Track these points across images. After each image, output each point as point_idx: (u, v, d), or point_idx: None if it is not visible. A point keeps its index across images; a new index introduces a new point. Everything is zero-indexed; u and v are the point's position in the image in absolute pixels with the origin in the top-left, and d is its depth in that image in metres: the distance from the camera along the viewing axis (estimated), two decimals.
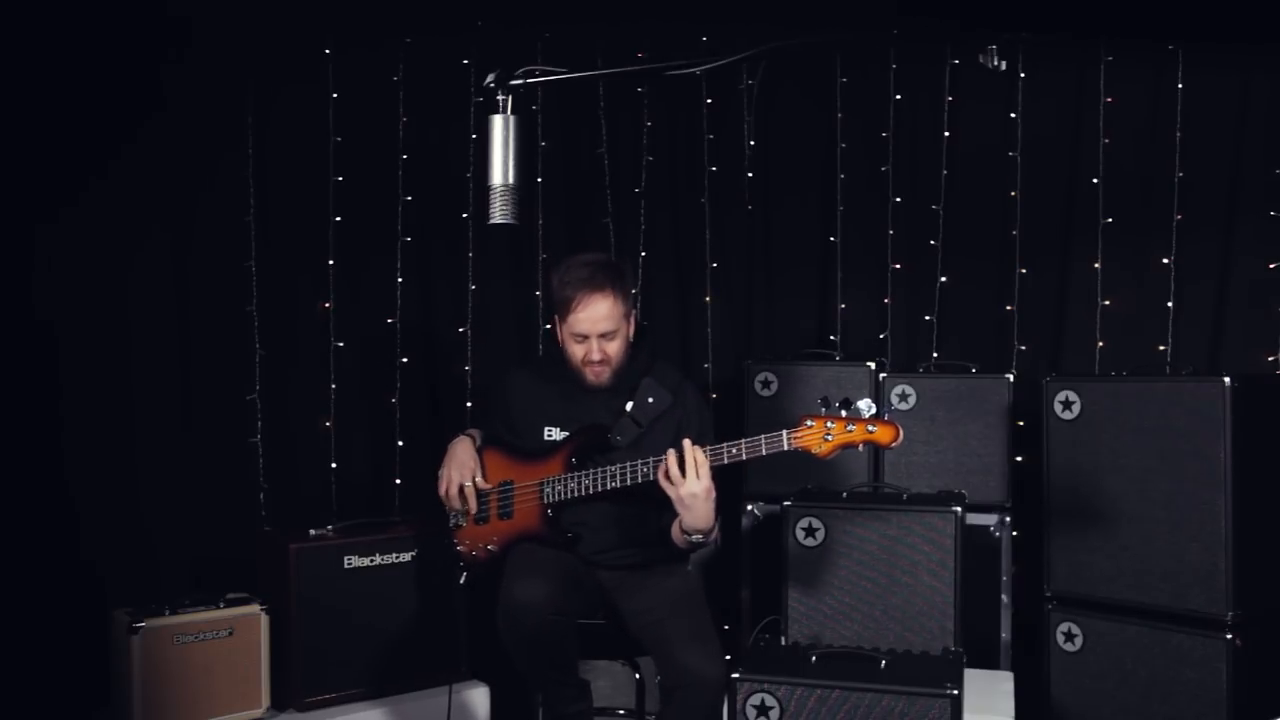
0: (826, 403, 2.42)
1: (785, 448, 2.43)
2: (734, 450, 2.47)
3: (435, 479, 2.82)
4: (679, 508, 2.47)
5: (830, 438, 2.40)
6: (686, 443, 2.46)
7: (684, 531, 2.54)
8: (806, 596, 3.01)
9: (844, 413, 2.40)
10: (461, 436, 2.87)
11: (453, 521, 2.83)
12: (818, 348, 3.85)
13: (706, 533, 2.53)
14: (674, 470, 2.44)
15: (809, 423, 2.41)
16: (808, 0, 3.36)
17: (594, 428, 2.73)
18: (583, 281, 2.65)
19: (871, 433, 2.38)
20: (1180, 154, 3.59)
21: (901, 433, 2.37)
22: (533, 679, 2.63)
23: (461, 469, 2.77)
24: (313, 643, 3.03)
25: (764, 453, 2.45)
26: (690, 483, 2.43)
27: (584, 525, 2.73)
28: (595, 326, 2.65)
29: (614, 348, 2.70)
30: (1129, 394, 3.04)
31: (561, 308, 2.68)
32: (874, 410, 2.39)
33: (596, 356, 2.67)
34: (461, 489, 2.75)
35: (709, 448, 2.48)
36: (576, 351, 2.70)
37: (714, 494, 2.47)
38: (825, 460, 2.43)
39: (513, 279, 3.77)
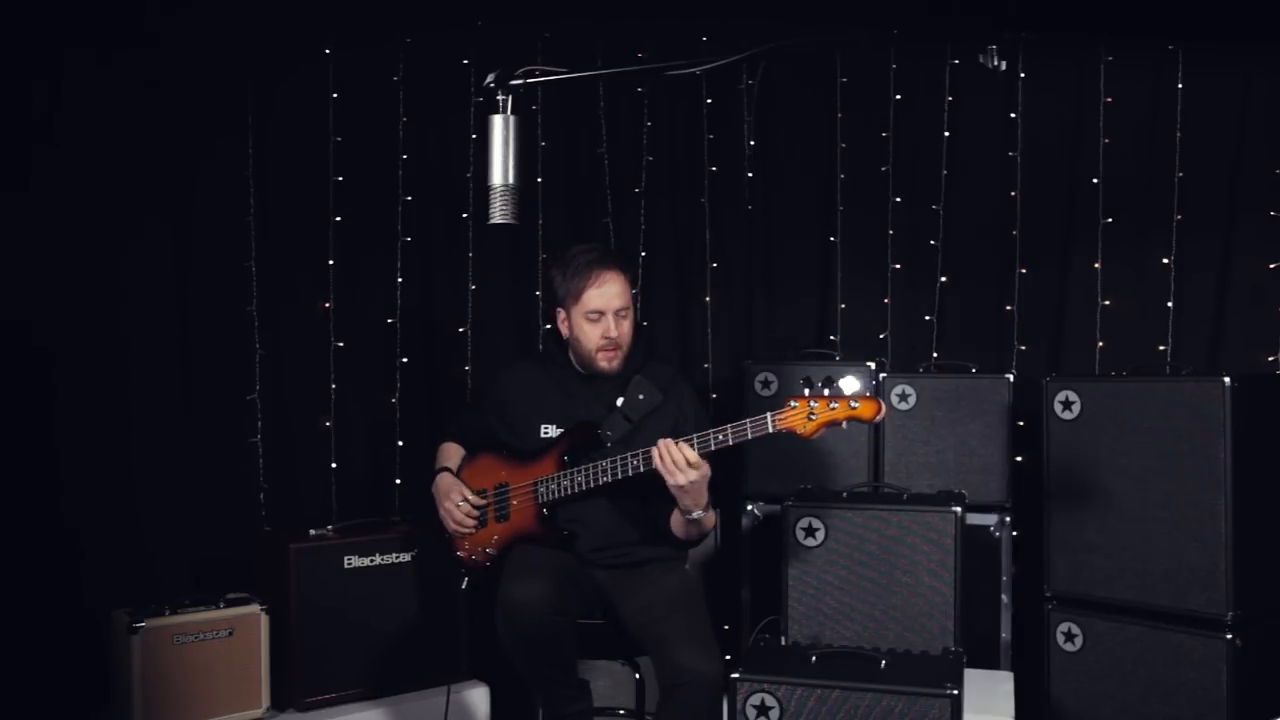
0: (810, 383, 2.44)
1: (770, 429, 2.45)
2: (720, 437, 2.49)
3: (434, 490, 2.85)
4: (675, 493, 2.51)
5: (814, 417, 2.42)
6: (667, 442, 2.49)
7: (681, 510, 2.57)
8: (806, 596, 3.01)
9: (826, 391, 2.42)
10: (440, 472, 2.87)
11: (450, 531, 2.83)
12: (818, 348, 3.86)
13: (703, 508, 2.56)
14: (668, 462, 2.48)
15: (792, 403, 2.43)
16: (808, 0, 3.35)
17: (585, 425, 2.73)
18: (593, 262, 2.70)
19: (854, 409, 2.40)
20: (1180, 154, 3.59)
21: (884, 407, 2.42)
22: (532, 679, 2.63)
23: (448, 497, 2.79)
24: (313, 643, 3.03)
25: (749, 436, 2.47)
26: (686, 472, 2.47)
27: (580, 524, 2.73)
28: (610, 302, 2.68)
29: (626, 328, 2.73)
30: (1129, 394, 3.04)
31: (574, 290, 2.70)
32: (856, 387, 2.42)
33: (614, 333, 2.69)
34: (462, 508, 2.77)
35: (695, 436, 2.50)
36: (591, 334, 2.71)
37: (709, 475, 2.51)
38: (810, 440, 2.47)
39: (513, 279, 3.78)
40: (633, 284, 2.78)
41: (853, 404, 2.40)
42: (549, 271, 2.83)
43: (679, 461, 2.47)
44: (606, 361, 2.73)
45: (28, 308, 3.03)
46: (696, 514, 2.57)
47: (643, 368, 2.80)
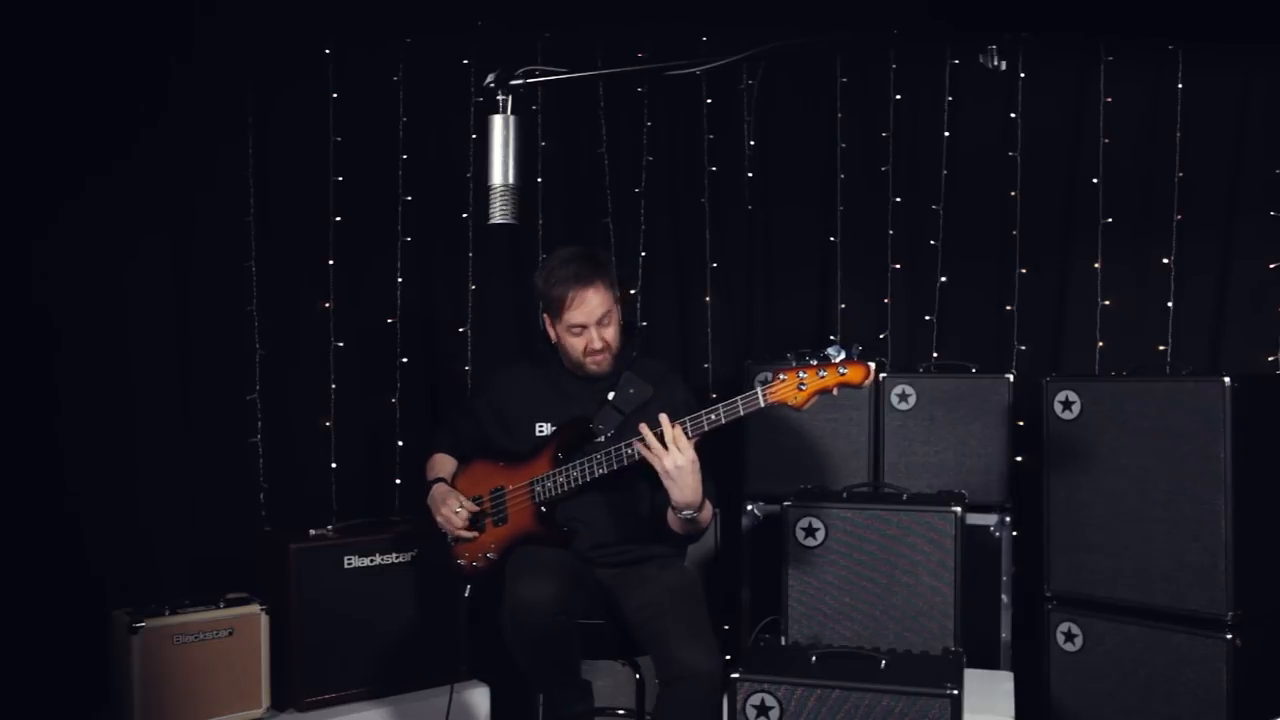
0: (797, 356, 2.44)
1: (761, 404, 2.45)
2: (713, 416, 2.48)
3: (429, 501, 2.84)
4: (665, 482, 2.48)
5: (804, 386, 2.41)
6: (663, 417, 2.48)
7: (674, 509, 2.55)
8: (806, 596, 3.01)
9: (814, 361, 2.42)
10: (434, 484, 2.86)
11: (450, 538, 2.82)
12: (817, 348, 3.85)
13: (697, 507, 2.54)
14: (654, 443, 2.46)
15: (781, 376, 2.43)
16: (808, 0, 3.35)
17: (576, 420, 2.74)
18: (570, 278, 2.68)
19: (843, 375, 2.40)
20: (1180, 154, 3.59)
21: (873, 370, 2.40)
22: (536, 679, 2.63)
23: (445, 504, 2.77)
24: (313, 643, 3.03)
25: (741, 413, 2.47)
26: (673, 454, 2.45)
27: (578, 521, 2.73)
28: (591, 315, 2.68)
29: (611, 333, 2.73)
30: (1129, 394, 3.04)
31: (554, 306, 2.70)
32: (843, 354, 2.41)
33: (598, 344, 2.70)
34: (459, 514, 2.75)
35: (688, 418, 2.49)
36: (576, 344, 2.71)
37: (699, 465, 2.49)
38: (803, 411, 2.45)
39: (513, 279, 3.77)
40: (615, 277, 2.76)
41: (841, 370, 2.39)
42: (534, 278, 2.81)
43: (667, 440, 2.45)
44: (595, 366, 2.73)
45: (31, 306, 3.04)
46: (688, 513, 2.54)
47: (633, 364, 2.81)
